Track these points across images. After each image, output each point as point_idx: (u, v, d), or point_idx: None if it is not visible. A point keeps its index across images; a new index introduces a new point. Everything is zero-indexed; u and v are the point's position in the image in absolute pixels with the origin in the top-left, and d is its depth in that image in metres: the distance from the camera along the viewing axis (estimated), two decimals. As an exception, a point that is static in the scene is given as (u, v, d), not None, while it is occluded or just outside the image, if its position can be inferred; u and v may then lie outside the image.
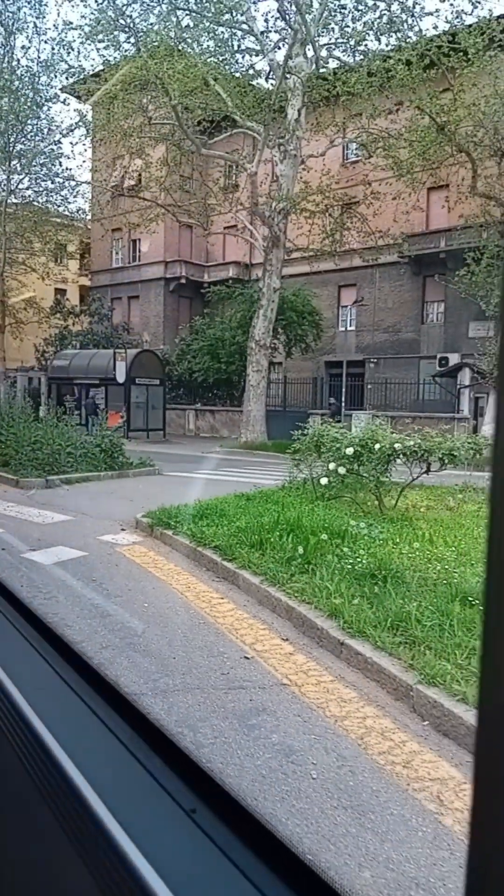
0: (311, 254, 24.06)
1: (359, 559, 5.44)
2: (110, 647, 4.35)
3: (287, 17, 19.33)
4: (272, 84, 20.66)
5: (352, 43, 18.40)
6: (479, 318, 25.30)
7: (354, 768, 3.01)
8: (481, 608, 0.32)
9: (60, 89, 26.34)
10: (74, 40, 20.84)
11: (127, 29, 19.22)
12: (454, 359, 25.69)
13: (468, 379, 24.09)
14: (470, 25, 16.69)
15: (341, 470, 8.19)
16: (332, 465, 8.30)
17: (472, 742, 3.00)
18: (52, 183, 28.53)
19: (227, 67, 20.56)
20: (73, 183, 28.32)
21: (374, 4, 17.09)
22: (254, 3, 21.10)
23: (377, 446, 7.85)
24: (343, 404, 23.97)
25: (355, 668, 4.03)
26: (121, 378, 24.29)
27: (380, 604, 4.56)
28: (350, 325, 30.94)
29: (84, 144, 28.74)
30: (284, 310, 25.36)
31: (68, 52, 21.57)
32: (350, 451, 8.00)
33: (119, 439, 13.79)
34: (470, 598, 4.55)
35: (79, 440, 13.14)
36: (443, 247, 26.67)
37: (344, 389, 24.18)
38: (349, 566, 5.33)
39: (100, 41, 19.35)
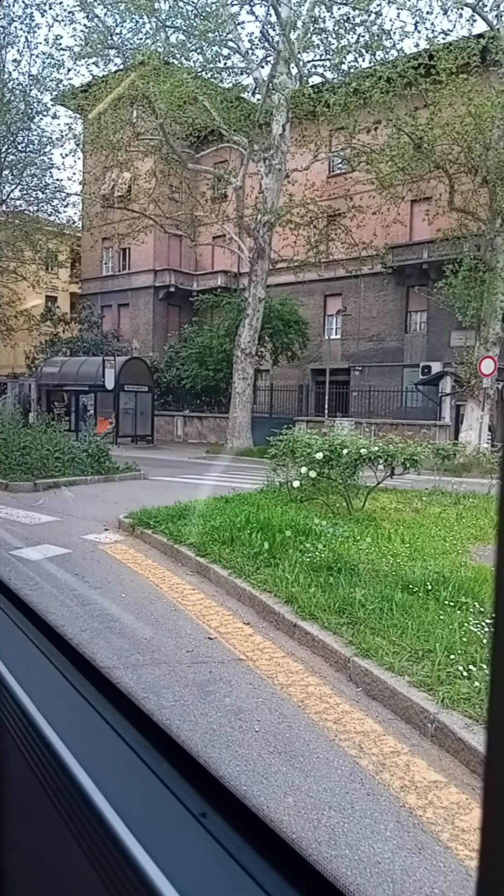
0: (297, 264, 24.66)
1: (317, 553, 5.97)
2: (89, 629, 4.85)
3: (269, 38, 19.98)
4: (258, 99, 21.30)
5: (335, 62, 19.04)
6: (460, 327, 25.96)
7: (292, 724, 3.53)
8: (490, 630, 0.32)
9: (51, 100, 26.93)
10: (64, 59, 21.30)
11: (115, 47, 19.81)
12: (436, 367, 26.32)
13: (449, 387, 24.75)
14: (449, 44, 17.34)
15: (312, 474, 8.72)
16: (303, 469, 8.83)
17: (396, 706, 3.53)
18: (43, 193, 29.05)
19: (214, 83, 21.15)
20: (63, 194, 28.83)
21: (353, 27, 17.78)
22: (240, 24, 21.55)
23: (345, 451, 8.38)
24: (326, 411, 24.54)
25: (305, 646, 4.55)
26: (110, 385, 24.78)
27: (331, 591, 5.08)
28: (336, 334, 31.59)
29: (74, 156, 29.29)
30: (271, 318, 25.97)
31: (58, 70, 22.10)
32: (320, 455, 8.54)
33: (106, 445, 14.28)
34: (411, 587, 5.08)
35: (67, 445, 13.61)
36: (425, 258, 27.36)
37: (327, 397, 24.76)
38: (308, 559, 5.86)
39: (89, 58, 19.94)
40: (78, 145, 23.97)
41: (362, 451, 8.39)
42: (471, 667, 3.70)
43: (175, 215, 26.12)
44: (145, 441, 26.49)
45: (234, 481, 13.44)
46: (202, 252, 35.69)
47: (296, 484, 9.06)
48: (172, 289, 34.86)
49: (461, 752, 3.16)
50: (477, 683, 3.54)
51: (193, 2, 19.75)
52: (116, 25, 19.93)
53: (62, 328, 36.08)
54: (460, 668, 3.70)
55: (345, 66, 19.12)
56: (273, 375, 30.85)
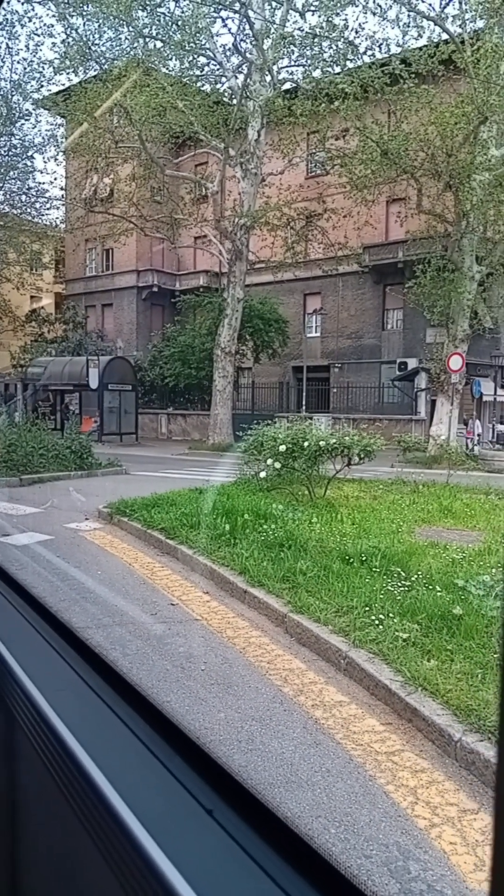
0: (275, 265, 25.36)
1: (272, 533, 6.71)
2: (68, 599, 5.57)
3: (240, 50, 20.71)
4: (235, 103, 21.98)
5: (306, 76, 19.79)
6: (434, 324, 26.78)
7: (232, 664, 4.27)
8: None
9: (32, 105, 27.47)
10: (44, 70, 21.97)
11: (94, 59, 20.45)
12: (412, 363, 27.16)
13: (424, 382, 25.59)
14: (415, 52, 18.07)
15: (277, 465, 9.46)
16: (269, 461, 9.56)
17: (319, 649, 4.27)
18: (26, 196, 29.61)
19: (192, 88, 21.80)
20: (45, 198, 29.40)
21: (318, 42, 18.55)
22: (215, 35, 22.20)
23: (305, 444, 9.13)
24: (304, 407, 25.31)
25: (252, 608, 5.29)
26: (94, 384, 25.41)
27: (279, 564, 5.83)
28: (315, 332, 32.34)
29: (57, 160, 29.85)
30: (252, 317, 26.68)
31: (38, 81, 22.72)
32: (283, 448, 9.28)
33: (89, 442, 14.96)
34: (349, 558, 5.84)
35: (51, 443, 14.27)
36: (400, 257, 28.12)
37: (305, 393, 25.52)
38: (263, 539, 6.60)
39: (69, 69, 20.56)
40: (59, 151, 24.58)
41: (321, 443, 9.14)
42: (381, 615, 4.46)
43: (156, 217, 26.75)
44: (130, 438, 27.15)
45: (211, 475, 14.15)
46: (184, 252, 36.30)
47: (262, 474, 9.80)
48: (155, 289, 35.49)
49: (364, 680, 3.91)
50: (381, 627, 4.30)
51: (170, 12, 20.42)
52: (93, 35, 20.53)
53: (47, 328, 36.66)
54: (373, 618, 4.46)
55: (317, 73, 19.85)
56: (255, 373, 31.57)
